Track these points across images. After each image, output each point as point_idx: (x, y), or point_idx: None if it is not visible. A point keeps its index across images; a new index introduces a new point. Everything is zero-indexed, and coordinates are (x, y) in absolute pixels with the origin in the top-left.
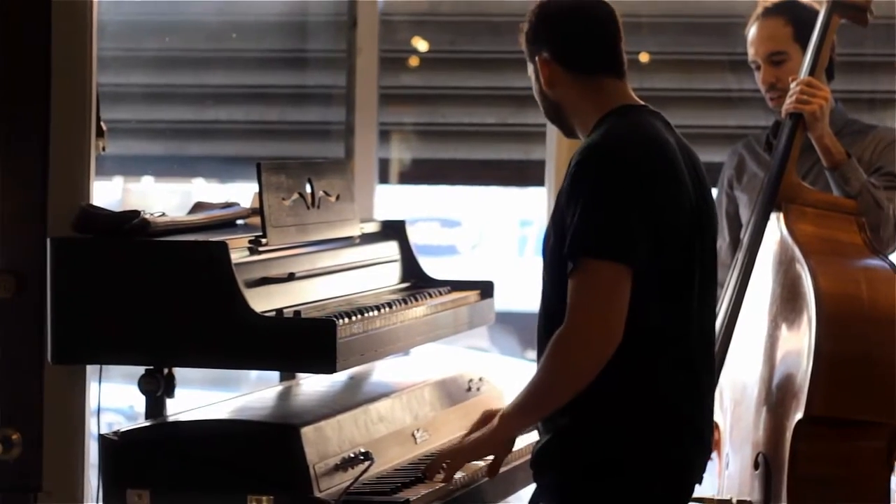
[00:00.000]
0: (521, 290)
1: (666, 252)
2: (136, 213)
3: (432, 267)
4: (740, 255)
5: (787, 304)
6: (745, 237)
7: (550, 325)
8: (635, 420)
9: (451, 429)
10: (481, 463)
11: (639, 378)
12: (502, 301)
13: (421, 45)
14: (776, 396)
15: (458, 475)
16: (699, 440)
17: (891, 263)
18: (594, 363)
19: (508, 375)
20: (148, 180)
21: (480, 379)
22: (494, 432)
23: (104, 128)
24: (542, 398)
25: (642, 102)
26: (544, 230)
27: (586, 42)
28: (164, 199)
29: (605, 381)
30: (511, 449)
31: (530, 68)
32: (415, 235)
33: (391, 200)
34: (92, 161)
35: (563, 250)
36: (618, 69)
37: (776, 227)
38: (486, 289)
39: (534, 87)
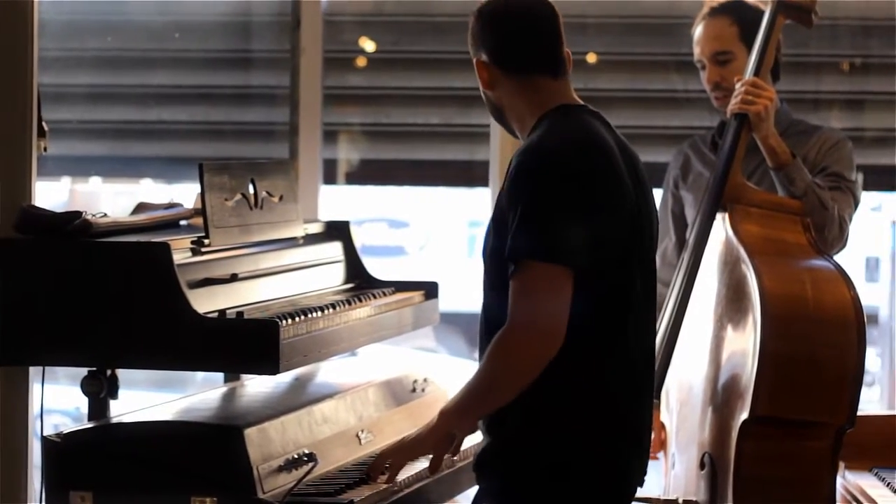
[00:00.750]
0: (469, 290)
1: (607, 253)
2: (77, 214)
3: (380, 268)
4: (686, 256)
5: (733, 304)
6: (691, 237)
7: (490, 328)
8: (577, 424)
9: (396, 429)
10: (425, 463)
11: (581, 382)
12: (450, 301)
13: (368, 45)
14: (721, 397)
15: (403, 476)
16: (638, 444)
17: (836, 264)
18: (535, 364)
19: (454, 376)
20: (95, 181)
21: (425, 380)
22: (433, 429)
23: (46, 128)
24: (481, 398)
25: (582, 102)
26: (484, 232)
27: (521, 43)
28: (111, 199)
29: (548, 385)
30: (451, 445)
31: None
32: (362, 236)
33: (339, 201)
34: (33, 161)
35: (503, 253)
36: (555, 69)
37: (721, 227)
38: (430, 289)
39: (481, 88)
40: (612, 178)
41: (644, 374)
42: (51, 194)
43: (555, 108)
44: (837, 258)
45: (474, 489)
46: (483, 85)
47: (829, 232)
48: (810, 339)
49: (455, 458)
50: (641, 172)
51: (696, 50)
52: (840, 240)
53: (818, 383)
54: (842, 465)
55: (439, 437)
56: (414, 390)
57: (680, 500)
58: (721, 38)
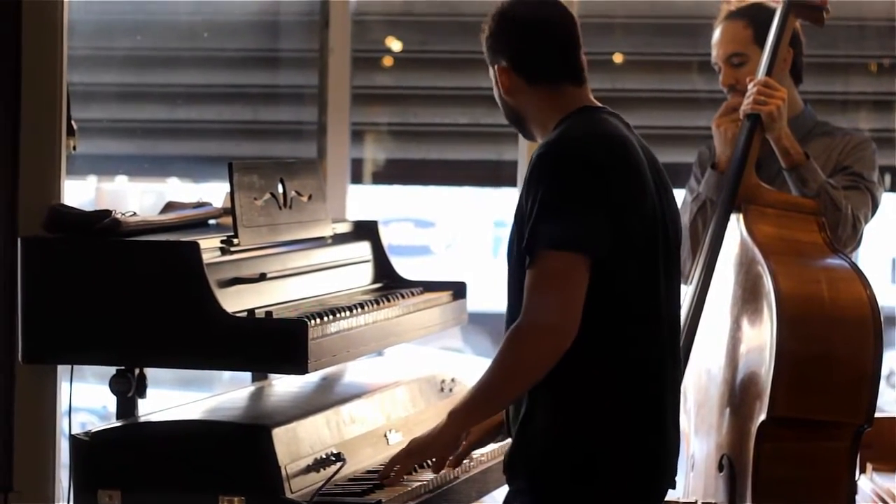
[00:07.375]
0: (495, 290)
1: (628, 246)
2: (106, 213)
3: (406, 267)
4: (701, 257)
5: (749, 305)
6: (706, 239)
7: None
8: (605, 424)
9: (424, 429)
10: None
11: (608, 381)
12: (476, 301)
13: (395, 44)
14: (739, 398)
15: (429, 477)
16: (667, 444)
17: (851, 262)
18: (547, 359)
19: None
20: (122, 180)
21: (453, 380)
22: (442, 431)
23: (75, 127)
24: (493, 394)
25: (600, 104)
26: (509, 234)
27: (543, 52)
28: (138, 198)
29: (575, 384)
30: (458, 446)
31: (491, 72)
32: (389, 236)
33: (365, 200)
34: (63, 160)
35: (523, 250)
36: (575, 76)
37: (736, 228)
38: (458, 289)
39: (494, 90)
40: (633, 172)
41: (672, 373)
42: (77, 193)
43: (576, 110)
44: (860, 259)
45: (503, 490)
46: (503, 91)
47: (842, 231)
48: (827, 339)
49: (458, 469)
50: (662, 173)
51: (713, 52)
52: (854, 239)
53: (835, 383)
54: (869, 466)
55: (447, 439)
56: (442, 390)
57: (699, 503)
58: (736, 40)
